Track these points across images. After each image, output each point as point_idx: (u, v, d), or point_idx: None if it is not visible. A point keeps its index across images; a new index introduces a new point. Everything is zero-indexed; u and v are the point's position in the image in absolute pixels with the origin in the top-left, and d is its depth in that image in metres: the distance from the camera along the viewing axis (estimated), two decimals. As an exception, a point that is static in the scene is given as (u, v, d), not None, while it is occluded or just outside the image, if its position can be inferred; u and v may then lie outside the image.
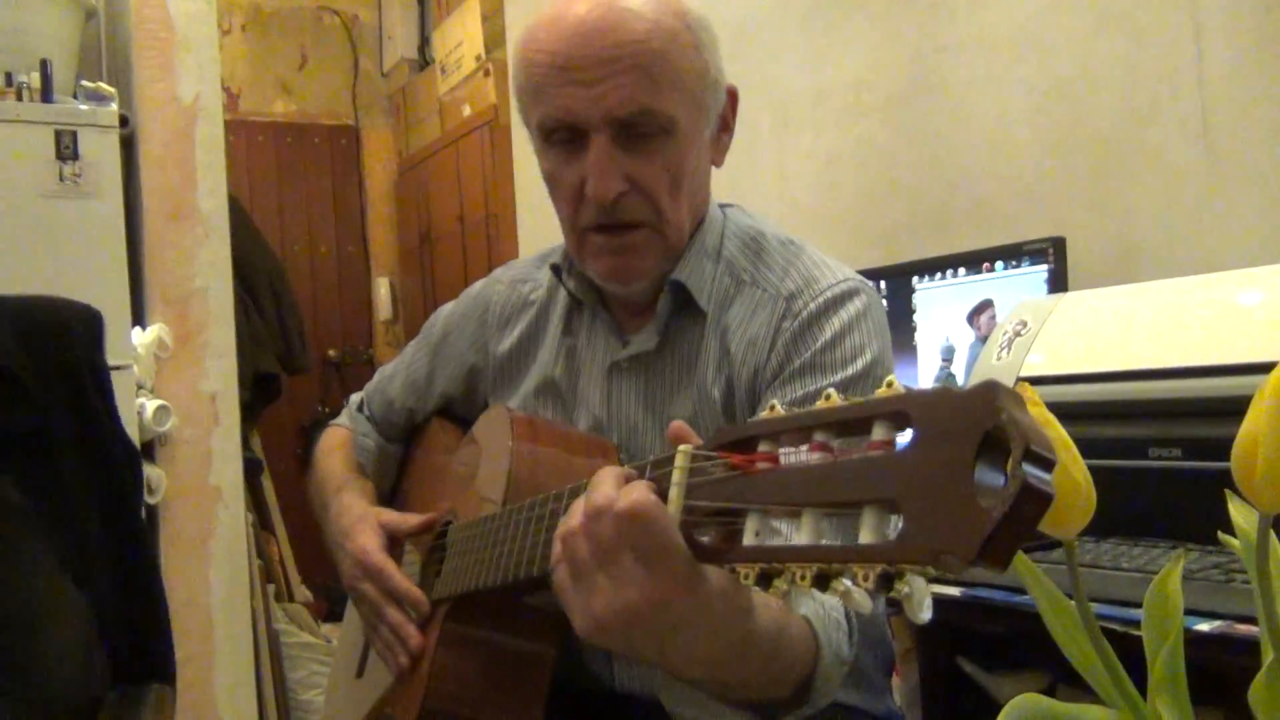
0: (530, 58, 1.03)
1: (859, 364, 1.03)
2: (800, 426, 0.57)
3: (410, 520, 1.18)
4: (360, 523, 1.20)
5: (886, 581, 0.50)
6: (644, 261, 1.07)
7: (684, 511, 0.64)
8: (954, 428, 0.47)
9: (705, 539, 0.64)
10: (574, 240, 1.09)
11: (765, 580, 0.57)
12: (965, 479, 0.45)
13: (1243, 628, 0.96)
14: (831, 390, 0.57)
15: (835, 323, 1.05)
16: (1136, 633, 0.63)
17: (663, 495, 0.65)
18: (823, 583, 0.53)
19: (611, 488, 0.68)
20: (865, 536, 0.50)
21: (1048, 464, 0.44)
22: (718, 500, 0.62)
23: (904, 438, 0.50)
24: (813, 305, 1.06)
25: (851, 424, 0.54)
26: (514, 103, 1.10)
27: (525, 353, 1.23)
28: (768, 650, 0.77)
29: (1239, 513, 0.62)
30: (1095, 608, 1.01)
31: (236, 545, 2.47)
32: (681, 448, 0.65)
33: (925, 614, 0.51)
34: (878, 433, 0.52)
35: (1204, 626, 0.97)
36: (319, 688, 3.06)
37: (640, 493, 0.65)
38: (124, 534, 0.91)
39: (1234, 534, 0.63)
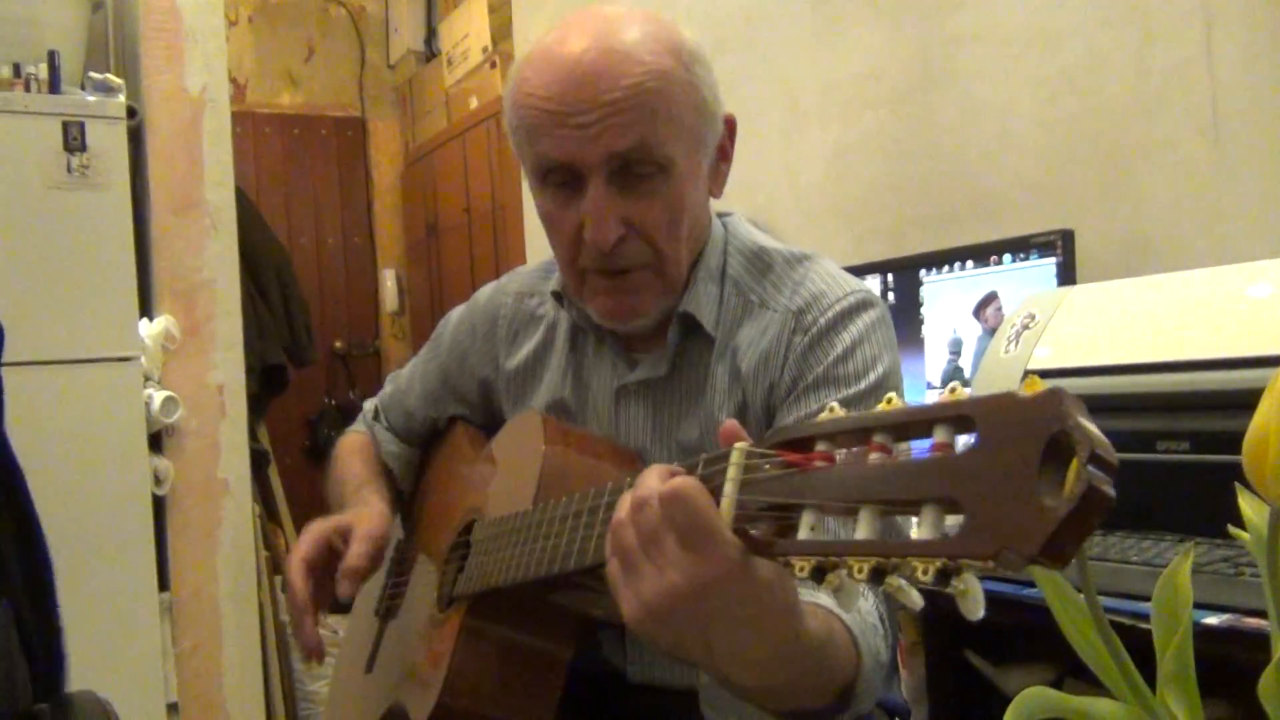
0: (523, 100, 1.02)
1: (871, 377, 1.03)
2: (859, 428, 0.58)
3: (354, 559, 1.15)
4: (332, 522, 1.21)
5: (944, 577, 0.51)
6: (643, 301, 1.07)
7: (737, 506, 0.65)
8: (1019, 432, 0.48)
9: (757, 532, 0.64)
10: (573, 279, 1.08)
11: (820, 574, 0.58)
12: (1030, 479, 0.47)
13: (1252, 621, 0.96)
14: (893, 394, 0.58)
15: (846, 337, 1.05)
16: (1145, 626, 0.63)
17: (716, 491, 0.66)
18: (878, 577, 0.54)
19: (656, 479, 0.68)
20: (924, 533, 0.52)
21: (1111, 468, 0.46)
22: (773, 496, 0.63)
23: (963, 442, 0.52)
24: (823, 320, 1.06)
25: (913, 426, 0.55)
26: (510, 137, 1.09)
27: (534, 370, 1.23)
28: (816, 655, 0.76)
29: (1249, 506, 0.62)
30: (1104, 601, 1.01)
31: (243, 536, 2.48)
32: (738, 445, 0.66)
33: (980, 611, 0.53)
34: (939, 435, 0.53)
35: (1213, 620, 0.97)
36: (325, 678, 3.07)
37: (681, 478, 0.66)
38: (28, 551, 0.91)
39: (1244, 527, 0.62)
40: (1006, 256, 1.73)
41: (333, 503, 1.35)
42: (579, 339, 1.19)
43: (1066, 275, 1.63)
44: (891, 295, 1.92)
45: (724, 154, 1.10)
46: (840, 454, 0.60)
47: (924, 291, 1.87)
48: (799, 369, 1.05)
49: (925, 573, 0.51)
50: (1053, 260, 1.65)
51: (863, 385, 1.02)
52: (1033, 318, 1.48)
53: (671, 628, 0.69)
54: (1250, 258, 1.39)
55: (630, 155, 0.98)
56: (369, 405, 1.44)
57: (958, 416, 0.52)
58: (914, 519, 0.53)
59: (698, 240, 1.11)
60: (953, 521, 0.51)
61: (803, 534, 0.60)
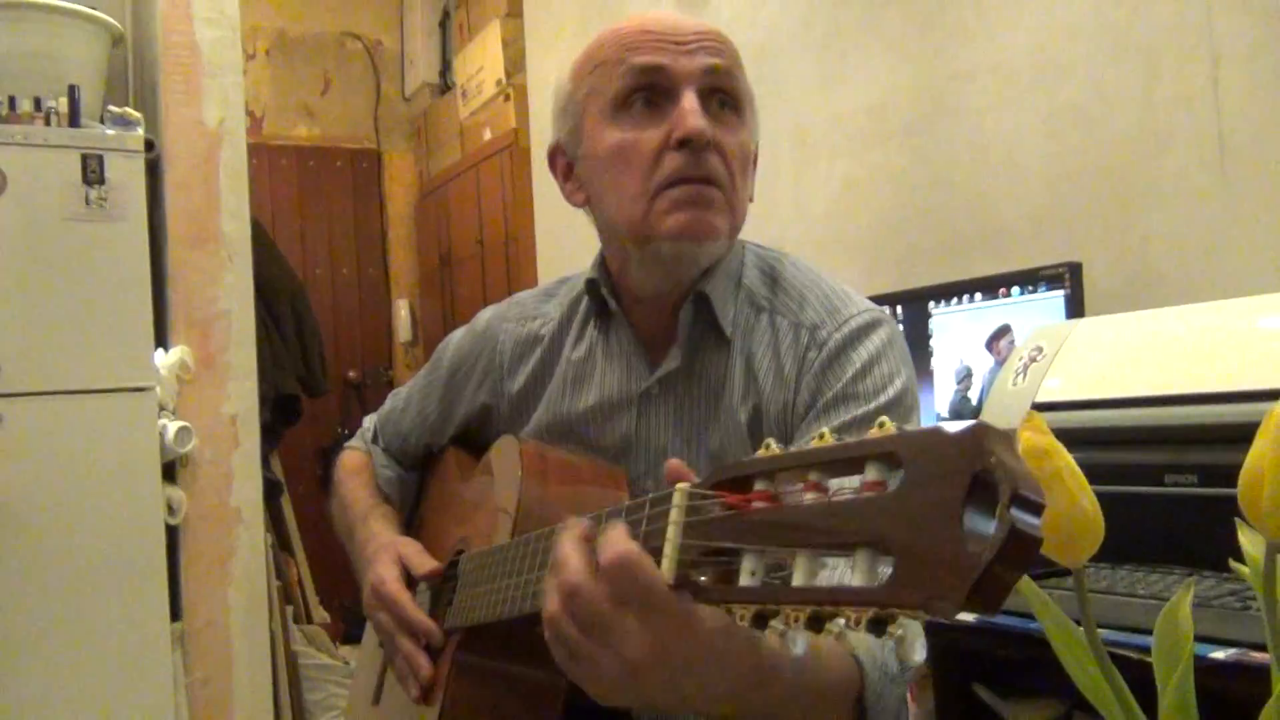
0: (607, 39, 1.08)
1: (891, 392, 1.03)
2: (794, 465, 0.57)
3: (426, 564, 1.17)
4: (382, 552, 1.20)
5: (879, 625, 0.49)
6: (718, 219, 1.05)
7: (680, 550, 0.64)
8: (942, 469, 0.47)
9: (701, 579, 0.64)
10: (643, 206, 1.05)
11: (761, 621, 0.56)
12: (954, 522, 0.45)
13: (1258, 655, 0.95)
14: (825, 430, 0.57)
15: (863, 352, 1.05)
16: (1150, 659, 0.63)
17: (660, 534, 0.65)
18: (817, 624, 0.53)
19: (577, 559, 0.68)
20: (858, 579, 0.50)
21: (1036, 508, 0.44)
22: (714, 540, 0.61)
23: (896, 478, 0.50)
24: (838, 335, 1.06)
25: (844, 464, 0.54)
26: (565, 102, 1.12)
27: (538, 385, 1.23)
28: (789, 674, 0.75)
29: (1248, 540, 0.62)
30: (1109, 634, 1.01)
31: (256, 566, 2.48)
32: (679, 486, 0.65)
33: (918, 656, 0.52)
34: (870, 473, 0.51)
35: (1219, 654, 0.97)
36: (337, 709, 3.07)
37: (616, 550, 0.65)
38: None
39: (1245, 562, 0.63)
40: (1015, 289, 1.74)
41: (338, 524, 1.36)
42: (594, 340, 1.19)
43: (1075, 308, 1.63)
44: (901, 327, 1.93)
45: (754, 163, 1.14)
46: (780, 493, 0.58)
47: (933, 323, 1.88)
48: (816, 386, 1.05)
49: (857, 622, 0.50)
50: (1061, 293, 1.66)
51: (882, 400, 1.03)
52: (1040, 350, 1.48)
53: (636, 695, 0.69)
54: (1257, 291, 1.40)
55: (719, 78, 1.05)
56: (368, 423, 1.45)
57: (886, 453, 0.51)
58: (849, 561, 0.52)
59: (743, 216, 1.11)
60: (886, 564, 0.49)
61: (743, 580, 0.58)
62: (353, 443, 1.45)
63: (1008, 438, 0.46)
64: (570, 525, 0.72)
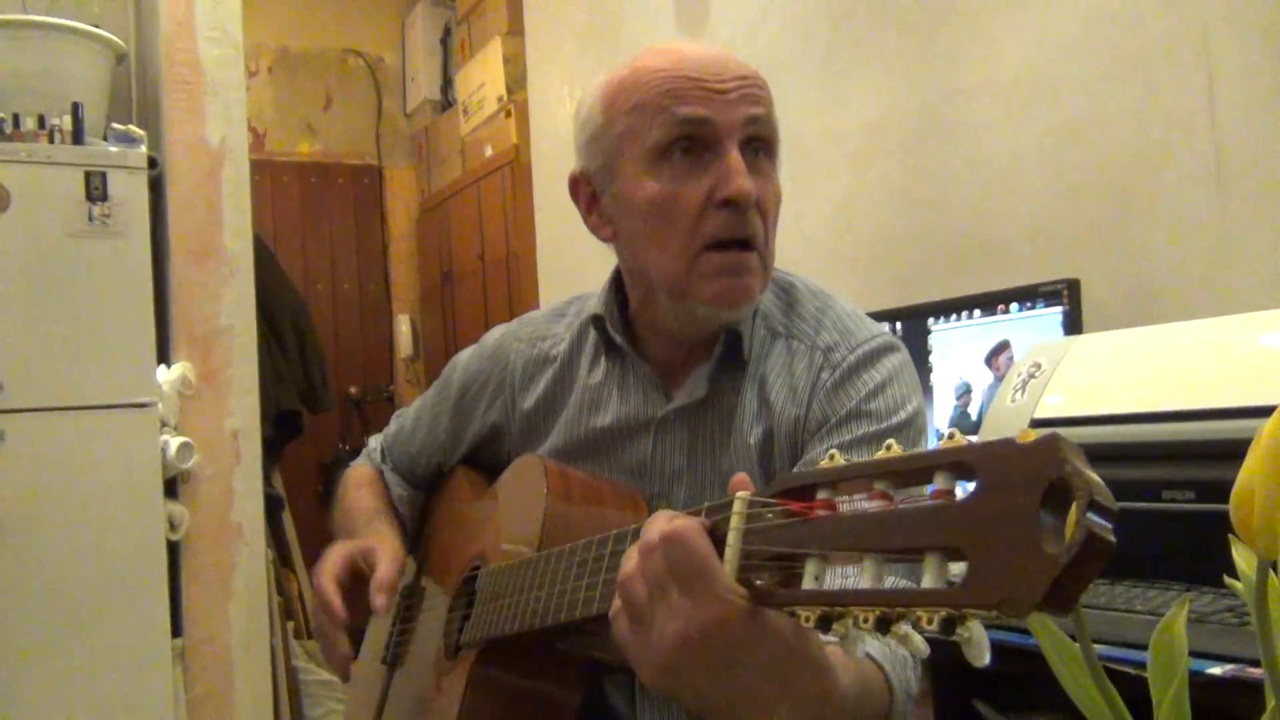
0: (648, 79, 1.05)
1: (902, 414, 1.04)
2: (860, 475, 0.58)
3: (387, 573, 1.17)
4: (365, 541, 1.23)
5: (949, 625, 0.51)
6: (754, 282, 1.06)
7: (742, 555, 0.65)
8: (1018, 478, 0.48)
9: (761, 582, 0.65)
10: (684, 264, 1.05)
11: (825, 623, 0.57)
12: (1031, 527, 0.47)
13: (1255, 671, 0.96)
14: (892, 441, 0.58)
15: (876, 375, 1.06)
16: (1147, 675, 0.63)
17: (720, 540, 0.66)
18: (884, 626, 0.54)
19: (661, 524, 0.68)
20: (928, 582, 0.52)
21: (1110, 514, 0.46)
22: (776, 545, 0.63)
23: (963, 489, 0.52)
24: (852, 357, 1.08)
25: (913, 474, 0.56)
26: (595, 134, 1.10)
27: (551, 406, 1.23)
28: (851, 713, 0.75)
29: (1241, 556, 0.62)
30: (1107, 650, 1.01)
31: (257, 582, 2.48)
32: (740, 494, 0.66)
33: (985, 658, 0.53)
34: (939, 482, 0.53)
35: (1216, 670, 0.97)
36: (336, 725, 3.06)
37: (682, 520, 0.67)
38: None
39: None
40: (1014, 305, 1.74)
41: (340, 533, 1.36)
42: (607, 371, 1.19)
43: (1073, 324, 1.64)
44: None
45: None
46: (842, 501, 0.60)
47: (932, 339, 1.88)
48: (829, 404, 1.06)
49: (930, 622, 0.51)
50: (1059, 309, 1.66)
51: (894, 421, 1.04)
52: (1039, 366, 1.49)
53: (685, 679, 0.68)
54: (1255, 307, 1.40)
55: (760, 127, 1.04)
56: (374, 443, 1.45)
57: (957, 463, 0.52)
58: (918, 566, 0.53)
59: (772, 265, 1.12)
60: (956, 569, 0.51)
61: (807, 584, 0.60)
62: (358, 462, 1.46)
63: (1078, 449, 0.48)
64: (663, 511, 0.72)
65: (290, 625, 3.16)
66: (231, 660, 2.44)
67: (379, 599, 1.14)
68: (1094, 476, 0.47)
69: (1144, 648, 0.65)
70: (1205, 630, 1.04)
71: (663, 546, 0.66)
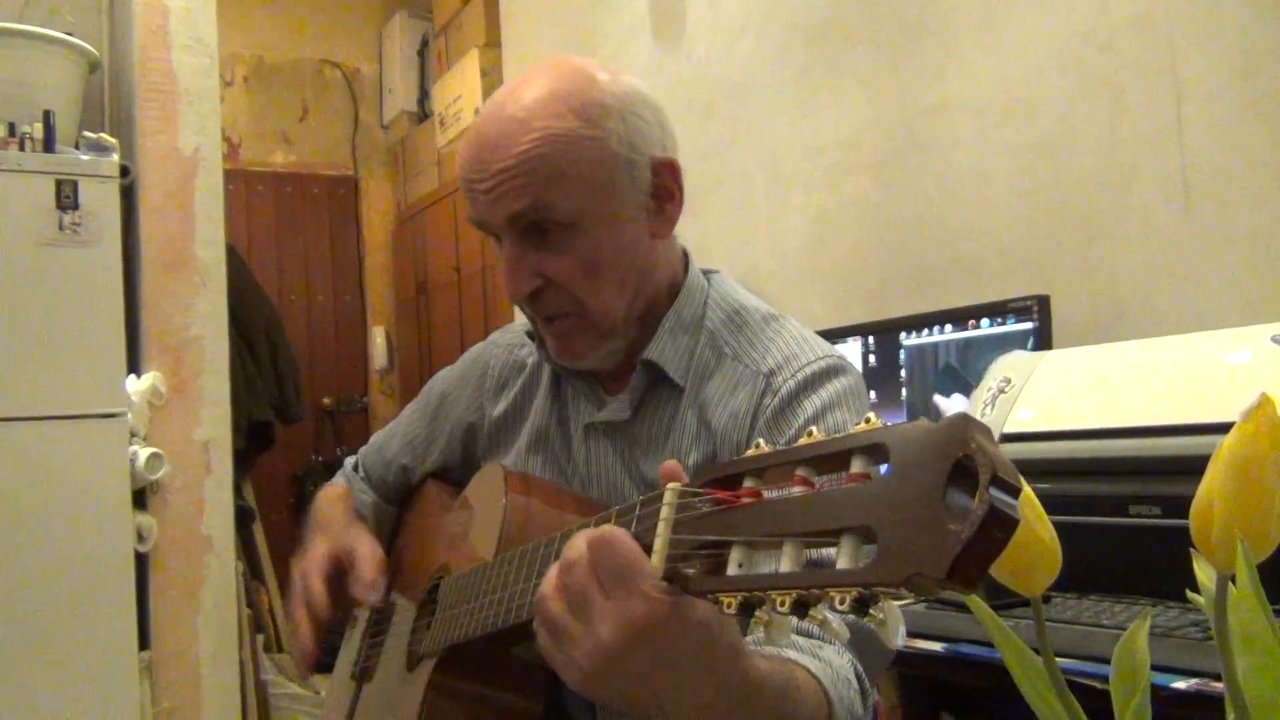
0: (456, 169, 1.12)
1: None
2: (783, 462, 0.60)
3: (367, 576, 1.19)
4: (348, 539, 1.24)
5: (862, 605, 0.52)
6: (579, 345, 1.10)
7: (670, 545, 0.66)
8: (926, 457, 0.49)
9: (690, 571, 0.65)
10: (530, 322, 1.16)
11: (747, 609, 0.58)
12: (936, 505, 0.48)
13: (1218, 685, 0.96)
14: (814, 428, 0.59)
15: (816, 400, 1.05)
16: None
17: (650, 531, 0.67)
18: (801, 609, 0.55)
19: (580, 543, 0.69)
20: (842, 563, 0.53)
21: (1014, 490, 0.47)
22: (703, 534, 0.63)
23: (882, 470, 0.53)
24: (792, 382, 1.06)
25: (831, 458, 0.56)
26: None
27: (519, 413, 1.24)
28: (775, 697, 0.76)
29: (1202, 570, 0.63)
30: (1073, 664, 1.02)
31: (226, 594, 2.47)
32: (670, 485, 0.67)
33: (899, 640, 0.53)
34: (856, 465, 0.54)
35: (1180, 684, 0.98)
36: (306, 739, 3.04)
37: (606, 526, 0.68)
38: None
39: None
40: (984, 320, 1.76)
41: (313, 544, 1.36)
42: (560, 378, 1.21)
43: (1042, 340, 1.65)
44: (873, 358, 1.95)
45: (665, 196, 1.10)
46: (767, 489, 0.61)
47: (903, 354, 1.89)
48: (770, 431, 1.05)
49: (842, 602, 0.52)
50: (1029, 324, 1.68)
51: None
52: (1009, 381, 1.50)
53: (614, 684, 0.69)
54: (1221, 324, 1.42)
55: (528, 216, 1.04)
56: (350, 459, 1.46)
57: (872, 445, 0.53)
58: (835, 548, 0.54)
59: (642, 284, 1.11)
60: (870, 550, 0.52)
61: (730, 570, 0.60)
62: (333, 480, 1.45)
63: (986, 429, 0.49)
64: (580, 524, 0.73)
65: (260, 638, 3.13)
66: (200, 673, 2.42)
67: (370, 596, 1.18)
68: (999, 453, 0.48)
69: (1108, 661, 0.65)
70: (1170, 644, 1.05)
71: (590, 552, 0.67)
